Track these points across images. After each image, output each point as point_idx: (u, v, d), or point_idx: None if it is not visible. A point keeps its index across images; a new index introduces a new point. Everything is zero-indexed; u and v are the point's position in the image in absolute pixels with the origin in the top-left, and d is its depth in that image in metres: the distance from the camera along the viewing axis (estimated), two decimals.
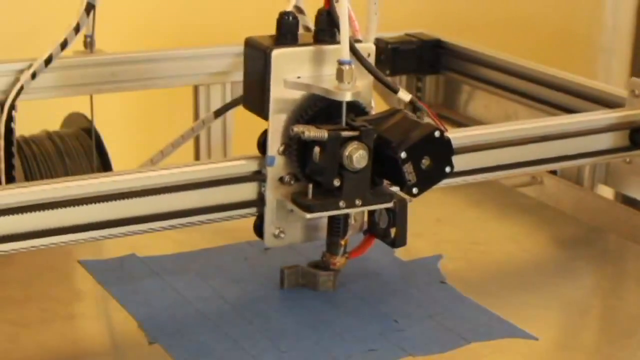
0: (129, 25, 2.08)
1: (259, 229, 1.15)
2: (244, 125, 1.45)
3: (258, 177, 1.13)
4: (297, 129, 1.07)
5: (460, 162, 1.22)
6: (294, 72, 1.10)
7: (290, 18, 1.11)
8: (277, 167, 1.12)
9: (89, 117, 1.51)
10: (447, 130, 1.11)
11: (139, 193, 1.08)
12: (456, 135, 1.21)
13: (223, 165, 1.12)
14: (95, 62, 1.46)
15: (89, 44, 1.46)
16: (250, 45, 1.12)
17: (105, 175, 1.09)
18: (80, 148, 1.49)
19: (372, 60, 1.12)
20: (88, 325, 1.14)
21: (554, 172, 1.56)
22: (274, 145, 1.12)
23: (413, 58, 1.69)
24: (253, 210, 1.14)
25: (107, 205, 1.07)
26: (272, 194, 1.13)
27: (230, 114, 1.55)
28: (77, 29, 1.34)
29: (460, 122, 1.67)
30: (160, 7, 2.15)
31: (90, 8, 1.34)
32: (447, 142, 1.11)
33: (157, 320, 1.12)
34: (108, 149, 1.51)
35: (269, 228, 1.14)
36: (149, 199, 1.09)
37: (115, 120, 2.02)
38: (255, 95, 1.12)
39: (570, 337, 1.17)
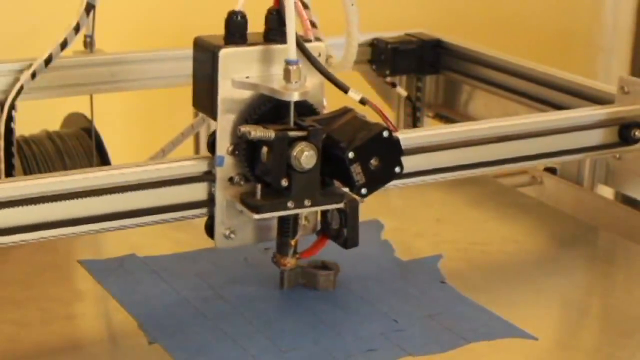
0: (129, 25, 2.08)
1: (209, 229, 1.14)
2: None
3: (208, 177, 1.12)
4: (244, 128, 1.07)
5: (450, 157, 1.23)
6: (242, 71, 1.09)
7: (239, 17, 1.10)
8: (227, 167, 1.11)
9: (89, 117, 1.51)
10: (397, 130, 1.10)
11: (89, 193, 1.07)
12: (448, 130, 1.21)
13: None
14: (95, 62, 1.46)
15: (88, 44, 1.46)
16: (199, 45, 1.12)
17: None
18: (80, 148, 1.49)
19: (322, 59, 1.11)
20: (88, 325, 1.14)
21: (553, 172, 1.57)
22: (223, 146, 1.11)
23: (413, 58, 1.69)
24: (204, 210, 1.13)
25: (52, 205, 1.05)
26: (222, 194, 1.12)
27: None
28: (77, 29, 1.34)
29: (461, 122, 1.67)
30: (160, 7, 2.15)
31: (90, 8, 1.34)
32: (396, 142, 1.10)
33: (157, 320, 1.12)
34: (108, 148, 1.51)
35: (219, 228, 1.13)
36: (100, 199, 1.07)
37: (115, 120, 2.02)
38: (204, 94, 1.11)
39: (570, 337, 1.17)
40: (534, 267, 1.29)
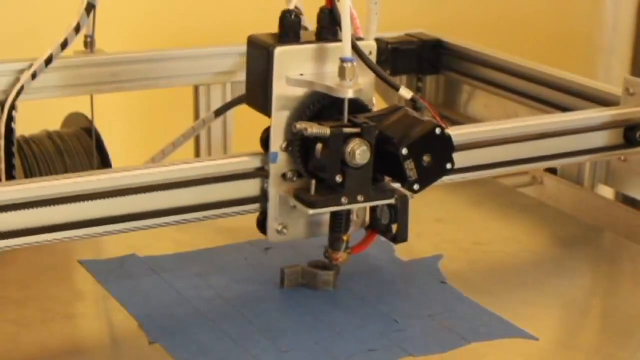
0: (129, 25, 2.08)
1: (262, 225, 1.15)
2: (244, 124, 1.44)
3: (261, 173, 1.14)
4: (300, 125, 1.08)
5: (457, 159, 1.23)
6: (296, 69, 1.11)
7: (292, 16, 1.12)
8: (280, 163, 1.13)
9: (89, 117, 1.51)
10: (447, 127, 1.12)
11: (142, 189, 1.08)
12: (453, 133, 1.21)
13: (226, 161, 1.13)
14: (96, 62, 1.46)
15: (89, 44, 1.46)
16: (253, 43, 1.13)
17: (108, 171, 1.10)
18: (80, 147, 1.49)
19: (373, 58, 1.13)
20: (88, 325, 1.14)
21: (554, 172, 1.56)
22: (277, 142, 1.12)
23: (413, 58, 1.69)
24: (256, 206, 1.15)
25: (108, 201, 1.07)
26: (275, 190, 1.14)
27: (230, 113, 1.55)
28: (77, 29, 1.34)
29: (461, 122, 1.66)
30: (160, 7, 2.15)
31: (90, 8, 1.34)
32: (448, 138, 1.11)
33: (157, 320, 1.12)
34: (108, 148, 1.51)
35: (272, 224, 1.15)
36: (153, 195, 1.09)
37: (115, 120, 2.02)
38: (258, 92, 1.13)
39: (570, 337, 1.17)
40: (534, 267, 1.29)
